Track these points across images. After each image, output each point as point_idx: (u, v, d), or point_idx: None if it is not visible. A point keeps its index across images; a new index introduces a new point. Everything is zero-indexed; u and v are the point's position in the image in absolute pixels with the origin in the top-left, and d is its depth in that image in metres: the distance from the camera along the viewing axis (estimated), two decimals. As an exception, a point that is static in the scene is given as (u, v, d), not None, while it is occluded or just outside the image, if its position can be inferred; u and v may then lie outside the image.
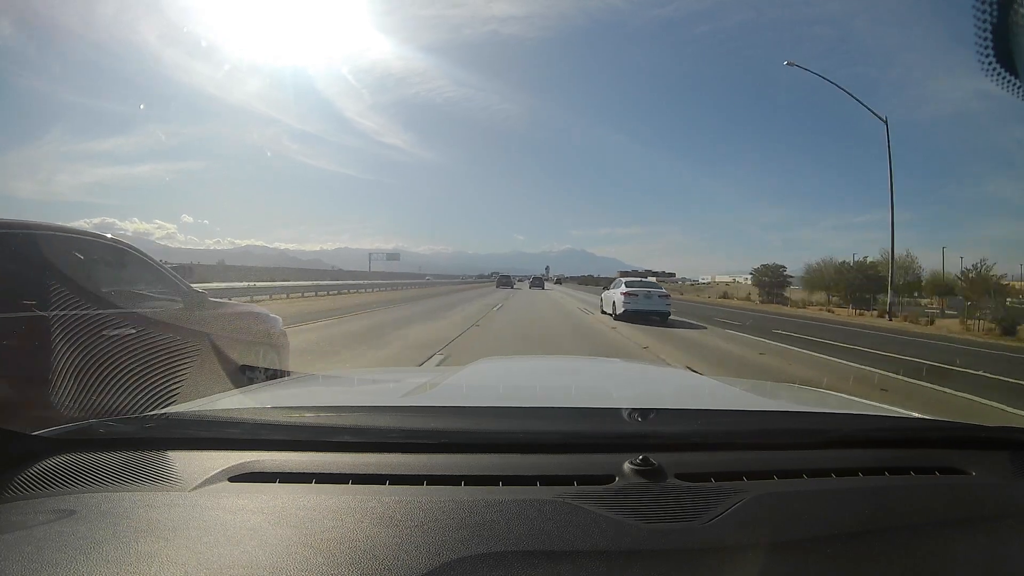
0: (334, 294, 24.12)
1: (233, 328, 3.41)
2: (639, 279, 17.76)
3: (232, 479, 0.86)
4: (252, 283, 20.24)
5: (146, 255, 3.10)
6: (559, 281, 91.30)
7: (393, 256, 79.11)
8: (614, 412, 1.09)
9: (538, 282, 49.97)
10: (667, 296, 14.66)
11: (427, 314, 14.35)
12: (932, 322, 21.06)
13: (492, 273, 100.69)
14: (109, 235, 2.88)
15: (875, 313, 26.49)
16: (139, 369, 2.15)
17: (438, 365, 6.27)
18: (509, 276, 52.52)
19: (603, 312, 16.45)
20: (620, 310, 14.09)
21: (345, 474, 0.87)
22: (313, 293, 22.96)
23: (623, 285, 14.96)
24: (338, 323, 11.34)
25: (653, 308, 14.14)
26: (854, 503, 0.89)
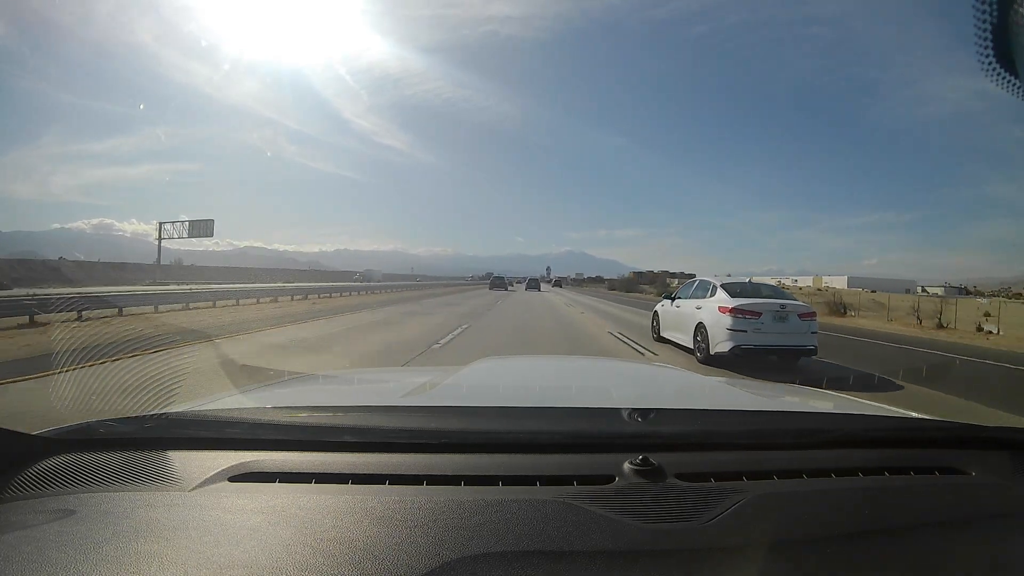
0: (260, 302, 18.96)
1: None
2: (747, 283, 8.34)
3: (232, 479, 0.86)
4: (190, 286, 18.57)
5: None
6: (557, 283, 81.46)
7: (201, 230, 45.80)
8: (614, 412, 1.09)
9: (534, 283, 49.50)
10: (813, 316, 7.28)
11: (346, 337, 9.33)
12: None
13: (486, 274, 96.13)
14: None
15: None
16: None
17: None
18: (503, 277, 52.10)
19: (659, 338, 9.38)
20: (723, 345, 6.94)
21: (345, 474, 0.87)
22: (255, 300, 18.94)
23: (720, 291, 7.59)
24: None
25: (790, 342, 7.02)
26: (854, 503, 0.89)
